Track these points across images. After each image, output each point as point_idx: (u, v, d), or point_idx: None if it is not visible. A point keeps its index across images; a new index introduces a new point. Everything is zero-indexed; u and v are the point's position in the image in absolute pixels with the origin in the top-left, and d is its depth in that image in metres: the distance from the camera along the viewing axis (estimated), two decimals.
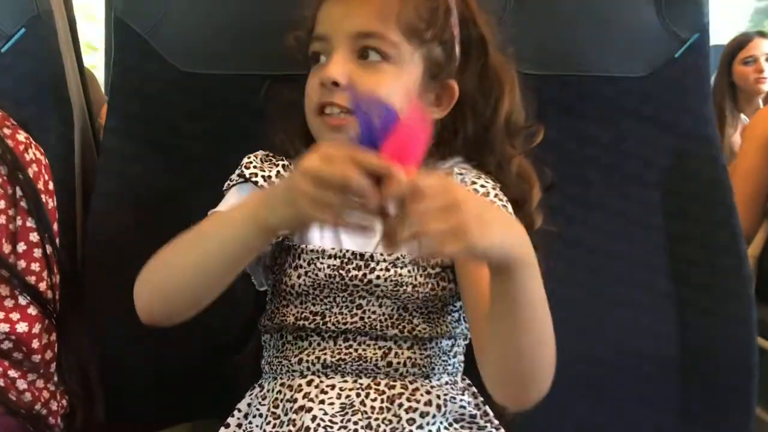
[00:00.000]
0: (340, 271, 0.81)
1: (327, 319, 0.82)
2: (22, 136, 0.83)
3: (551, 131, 1.04)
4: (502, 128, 0.90)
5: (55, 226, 0.86)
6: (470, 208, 0.62)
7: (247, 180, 0.86)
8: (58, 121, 1.07)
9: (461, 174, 0.86)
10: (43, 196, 0.83)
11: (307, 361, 0.82)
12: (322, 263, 0.82)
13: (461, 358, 0.89)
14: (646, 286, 1.07)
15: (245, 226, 0.71)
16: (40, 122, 1.04)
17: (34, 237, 0.80)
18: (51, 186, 0.86)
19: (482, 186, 0.85)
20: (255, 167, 0.87)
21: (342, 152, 0.62)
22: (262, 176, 0.85)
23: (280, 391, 0.82)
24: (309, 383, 0.81)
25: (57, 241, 0.85)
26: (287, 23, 0.92)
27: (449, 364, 0.86)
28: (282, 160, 0.89)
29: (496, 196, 0.85)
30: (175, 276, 0.76)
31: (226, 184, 0.88)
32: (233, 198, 0.86)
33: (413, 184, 0.61)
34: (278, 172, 0.87)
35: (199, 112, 1.06)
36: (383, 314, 0.82)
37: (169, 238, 1.04)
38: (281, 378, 0.84)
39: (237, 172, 0.88)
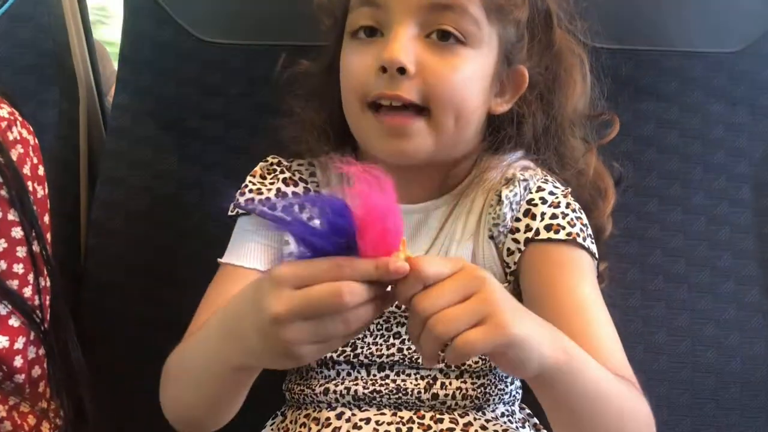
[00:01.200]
0: None
1: (359, 350, 0.69)
2: (4, 111, 0.70)
3: (626, 115, 0.92)
4: (571, 119, 0.77)
5: (47, 218, 0.73)
6: (495, 288, 0.50)
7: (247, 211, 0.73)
8: (61, 95, 0.96)
9: (525, 179, 0.71)
10: (29, 183, 0.70)
11: (335, 392, 0.69)
12: None
13: (518, 383, 0.75)
14: (734, 299, 0.91)
15: (240, 373, 0.58)
16: (40, 96, 0.94)
17: (17, 233, 0.67)
18: (41, 171, 0.73)
19: (551, 193, 0.71)
20: (251, 190, 0.74)
21: (312, 268, 0.48)
22: (260, 200, 0.72)
23: (304, 424, 0.69)
24: (339, 416, 0.68)
25: (48, 236, 0.72)
26: None
27: (506, 393, 0.72)
28: (285, 171, 0.75)
29: (568, 206, 0.70)
30: (198, 403, 0.64)
31: (231, 205, 0.75)
32: (240, 235, 0.73)
33: (416, 273, 0.48)
34: (278, 189, 0.73)
35: (218, 87, 0.94)
36: None
37: (183, 231, 0.93)
38: (305, 408, 0.71)
39: (237, 193, 0.75)
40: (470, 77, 0.67)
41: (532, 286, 0.67)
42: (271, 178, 0.74)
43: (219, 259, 0.73)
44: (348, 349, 0.69)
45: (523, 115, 0.73)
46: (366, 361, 0.69)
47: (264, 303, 0.49)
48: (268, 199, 0.72)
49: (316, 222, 0.48)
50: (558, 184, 0.73)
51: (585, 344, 0.57)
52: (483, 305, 0.48)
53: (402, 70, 0.64)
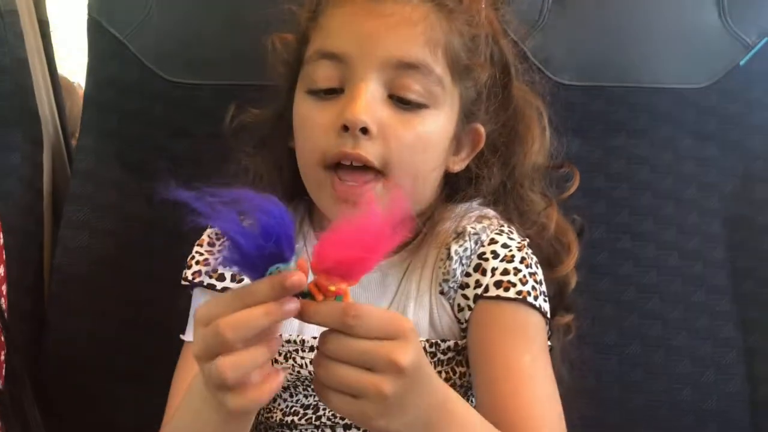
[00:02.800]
0: None
1: (321, 412, 0.67)
2: None
3: (597, 151, 0.93)
4: (530, 174, 0.75)
5: (1, 269, 0.71)
6: (399, 382, 0.48)
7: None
8: (24, 138, 0.94)
9: (476, 233, 0.68)
10: None
11: None
12: (303, 358, 0.66)
13: None
14: (709, 335, 0.91)
15: (230, 423, 0.54)
16: (3, 139, 0.92)
17: None
18: None
19: (504, 246, 0.67)
20: (198, 262, 0.71)
21: (218, 307, 0.48)
22: (206, 272, 0.70)
23: None
24: None
25: (4, 287, 0.70)
26: (287, 26, 0.77)
27: None
28: None
29: (522, 260, 0.67)
30: None
31: (183, 272, 0.72)
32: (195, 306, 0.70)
33: (342, 318, 0.47)
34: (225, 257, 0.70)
35: (186, 129, 0.92)
36: None
37: (150, 277, 0.90)
38: None
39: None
40: (431, 139, 0.65)
41: (476, 349, 0.65)
42: (219, 245, 0.71)
43: (182, 336, 0.71)
44: (310, 411, 0.67)
45: (481, 172, 0.72)
46: (329, 423, 0.66)
47: (195, 353, 0.49)
48: (207, 263, 0.70)
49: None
50: (514, 236, 0.69)
51: (515, 418, 0.57)
52: (368, 388, 0.48)
53: (364, 130, 0.62)
